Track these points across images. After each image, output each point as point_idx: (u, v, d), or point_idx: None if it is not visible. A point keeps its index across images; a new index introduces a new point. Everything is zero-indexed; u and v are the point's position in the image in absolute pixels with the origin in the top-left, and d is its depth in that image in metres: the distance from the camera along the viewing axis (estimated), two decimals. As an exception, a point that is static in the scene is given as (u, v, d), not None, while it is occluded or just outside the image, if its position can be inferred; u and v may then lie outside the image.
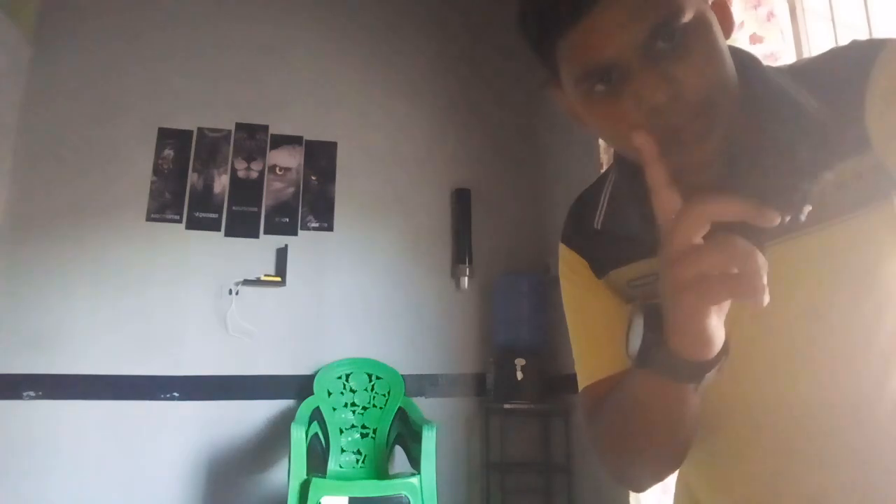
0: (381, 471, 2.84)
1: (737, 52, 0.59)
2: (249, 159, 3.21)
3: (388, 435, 2.92)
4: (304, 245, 3.15)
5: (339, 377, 3.00)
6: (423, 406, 2.96)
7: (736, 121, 0.56)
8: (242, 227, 3.12)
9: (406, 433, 2.82)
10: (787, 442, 0.58)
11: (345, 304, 3.15)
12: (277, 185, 3.22)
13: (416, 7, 3.63)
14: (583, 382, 0.70)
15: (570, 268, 0.73)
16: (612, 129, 0.56)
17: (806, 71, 0.58)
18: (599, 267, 0.69)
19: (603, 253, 0.69)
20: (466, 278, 3.26)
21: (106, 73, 3.13)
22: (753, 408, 0.61)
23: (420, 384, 3.11)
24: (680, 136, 0.52)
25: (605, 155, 2.64)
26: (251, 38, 3.36)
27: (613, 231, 0.67)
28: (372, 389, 3.01)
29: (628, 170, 0.65)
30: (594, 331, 0.71)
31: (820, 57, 0.59)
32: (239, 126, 3.24)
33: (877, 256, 0.54)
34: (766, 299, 0.42)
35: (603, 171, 0.76)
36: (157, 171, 3.09)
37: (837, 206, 0.54)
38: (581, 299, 0.73)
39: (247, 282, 3.00)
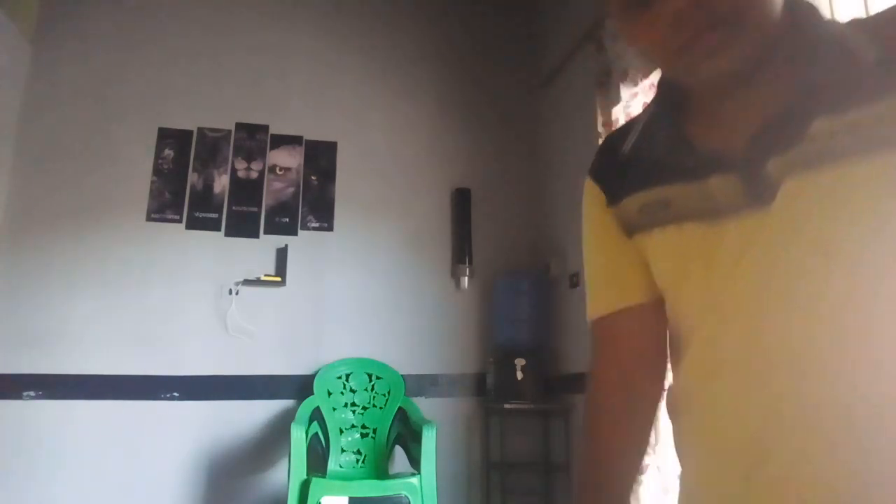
0: (381, 471, 2.84)
1: None
2: (249, 159, 3.21)
3: (388, 435, 2.92)
4: (304, 245, 3.15)
5: (339, 377, 3.00)
6: (423, 406, 2.96)
7: (767, 47, 0.57)
8: (242, 227, 3.12)
9: (406, 433, 2.82)
10: (783, 384, 0.55)
11: (345, 304, 3.15)
12: (277, 185, 3.22)
13: (415, 7, 3.63)
14: (589, 314, 0.77)
15: (588, 200, 0.76)
16: (648, 42, 0.59)
17: (868, 19, 0.58)
18: (614, 194, 0.71)
19: (622, 178, 0.69)
20: (466, 278, 3.26)
21: (106, 73, 3.14)
22: (753, 347, 0.58)
23: (420, 384, 3.11)
24: (695, 46, 0.54)
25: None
26: (251, 38, 3.37)
27: (640, 153, 0.68)
28: (372, 389, 3.01)
29: (668, 91, 0.67)
30: (598, 268, 0.76)
31: (887, 9, 0.59)
32: (239, 126, 3.24)
33: (894, 199, 0.52)
34: None
35: None
36: (157, 171, 3.09)
37: (859, 144, 0.52)
38: (592, 235, 0.76)
39: (247, 282, 3.00)
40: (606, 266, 0.75)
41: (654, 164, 0.65)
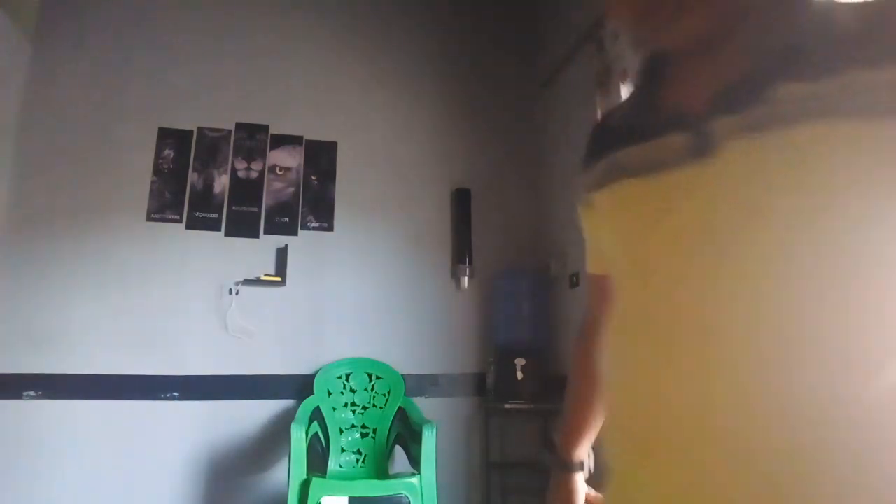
0: (381, 471, 2.84)
1: None
2: (249, 159, 3.21)
3: (388, 435, 2.92)
4: (304, 245, 3.15)
5: (339, 377, 3.00)
6: (424, 406, 2.96)
7: (740, 12, 0.57)
8: (242, 226, 3.12)
9: (406, 433, 2.82)
10: (677, 365, 0.52)
11: (345, 303, 3.15)
12: (277, 184, 3.22)
13: (416, 7, 3.63)
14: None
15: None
16: (622, 11, 0.61)
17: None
18: (586, 175, 0.73)
19: (601, 153, 0.70)
20: (466, 278, 3.26)
21: (106, 73, 3.14)
22: (661, 314, 0.55)
23: (420, 384, 3.11)
24: (660, 9, 0.56)
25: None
26: (251, 38, 3.37)
27: (621, 125, 0.69)
28: (372, 389, 3.01)
29: (648, 64, 0.68)
30: (586, 240, 0.84)
31: None
32: (239, 126, 3.24)
33: (843, 169, 0.49)
34: None
35: None
36: (157, 171, 3.09)
37: (824, 112, 0.49)
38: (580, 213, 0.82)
39: (247, 282, 3.00)
40: (587, 241, 0.83)
41: (626, 132, 0.65)
